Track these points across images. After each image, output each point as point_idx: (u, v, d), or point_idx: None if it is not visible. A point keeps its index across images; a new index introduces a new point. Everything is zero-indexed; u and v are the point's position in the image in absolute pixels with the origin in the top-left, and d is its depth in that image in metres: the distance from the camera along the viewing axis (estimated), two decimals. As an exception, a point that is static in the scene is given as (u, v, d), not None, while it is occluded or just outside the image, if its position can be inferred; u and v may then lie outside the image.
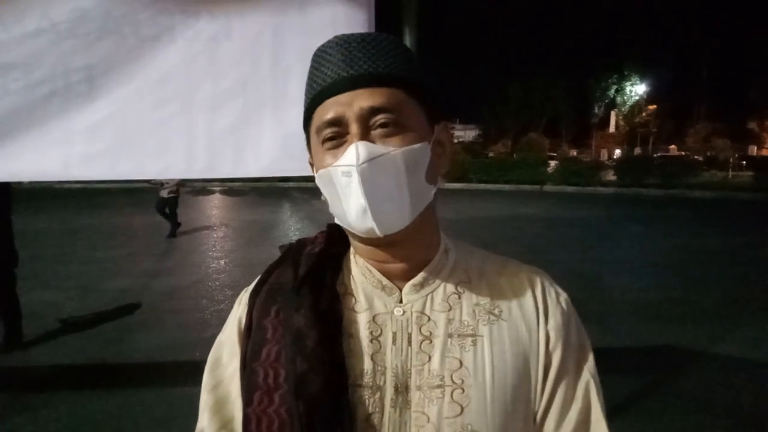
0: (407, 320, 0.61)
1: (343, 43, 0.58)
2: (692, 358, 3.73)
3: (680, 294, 5.39)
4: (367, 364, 0.59)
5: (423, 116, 0.60)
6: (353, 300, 0.63)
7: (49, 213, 11.91)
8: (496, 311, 0.63)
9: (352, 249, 0.67)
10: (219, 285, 5.81)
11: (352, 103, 0.55)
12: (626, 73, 45.90)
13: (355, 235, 0.62)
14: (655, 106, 45.81)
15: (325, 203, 0.61)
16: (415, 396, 0.59)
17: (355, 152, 0.53)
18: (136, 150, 1.40)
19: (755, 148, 38.85)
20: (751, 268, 6.51)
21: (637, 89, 46.23)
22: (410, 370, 0.59)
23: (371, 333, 0.61)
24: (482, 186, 21.22)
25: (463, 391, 0.58)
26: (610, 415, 0.61)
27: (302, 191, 17.19)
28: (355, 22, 1.41)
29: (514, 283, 0.66)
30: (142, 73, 1.38)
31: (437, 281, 0.63)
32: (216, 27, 1.39)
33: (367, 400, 0.58)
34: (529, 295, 0.65)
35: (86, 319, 4.56)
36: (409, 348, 0.60)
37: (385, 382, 0.59)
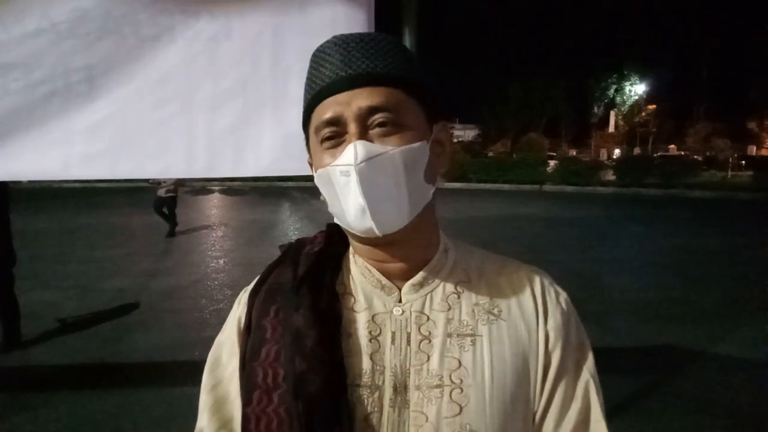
0: (406, 320, 0.61)
1: (342, 43, 0.58)
2: (692, 358, 3.73)
3: (680, 294, 5.39)
4: (366, 364, 0.59)
5: (422, 115, 0.60)
6: (352, 299, 0.63)
7: (47, 213, 11.89)
8: (496, 311, 0.63)
9: (351, 248, 0.67)
10: (218, 285, 5.80)
11: (350, 103, 0.55)
12: (626, 73, 45.82)
13: (354, 235, 0.62)
14: (654, 106, 45.76)
15: (324, 203, 0.61)
16: (413, 396, 0.59)
17: (353, 151, 0.53)
18: (136, 150, 1.40)
19: (755, 148, 38.92)
20: (750, 268, 6.50)
21: (636, 89, 46.17)
22: (409, 369, 0.59)
23: (370, 332, 0.61)
24: (482, 186, 21.20)
25: (462, 390, 0.58)
26: (610, 414, 0.61)
27: (302, 191, 17.17)
28: (355, 22, 1.41)
29: (513, 282, 0.66)
30: (142, 73, 1.38)
31: (436, 281, 0.63)
32: (216, 27, 1.39)
33: (365, 400, 0.58)
34: (528, 294, 0.65)
35: (85, 319, 4.56)
36: (408, 347, 0.60)
37: (383, 381, 0.59)
